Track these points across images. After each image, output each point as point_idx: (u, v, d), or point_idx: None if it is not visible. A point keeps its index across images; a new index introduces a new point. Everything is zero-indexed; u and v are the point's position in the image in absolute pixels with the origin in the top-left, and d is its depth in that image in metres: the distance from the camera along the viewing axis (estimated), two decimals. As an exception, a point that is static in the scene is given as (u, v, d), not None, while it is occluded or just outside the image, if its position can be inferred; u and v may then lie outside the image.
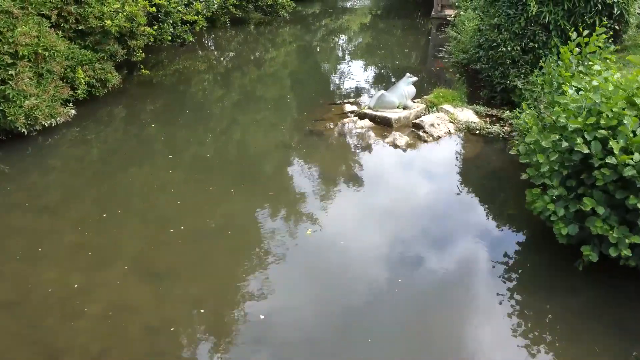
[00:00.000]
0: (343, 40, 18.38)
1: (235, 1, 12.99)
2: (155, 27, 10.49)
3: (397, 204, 6.58)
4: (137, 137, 9.01)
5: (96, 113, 9.91)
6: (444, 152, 8.02)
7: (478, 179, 7.34)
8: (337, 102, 10.35)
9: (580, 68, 5.96)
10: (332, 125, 8.99)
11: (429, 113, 9.37)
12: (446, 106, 9.50)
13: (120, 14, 9.48)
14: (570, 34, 6.46)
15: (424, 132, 8.50)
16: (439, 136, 8.40)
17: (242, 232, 5.97)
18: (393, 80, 12.26)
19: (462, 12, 15.32)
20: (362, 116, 9.26)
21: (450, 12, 21.37)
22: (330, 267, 5.32)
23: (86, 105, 9.69)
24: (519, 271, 5.33)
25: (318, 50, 16.55)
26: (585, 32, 7.10)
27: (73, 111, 9.03)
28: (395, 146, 8.07)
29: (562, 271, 5.18)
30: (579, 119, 4.77)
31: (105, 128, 9.40)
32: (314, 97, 11.18)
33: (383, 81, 12.63)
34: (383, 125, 8.96)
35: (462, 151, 8.14)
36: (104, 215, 6.24)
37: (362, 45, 17.29)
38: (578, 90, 5.44)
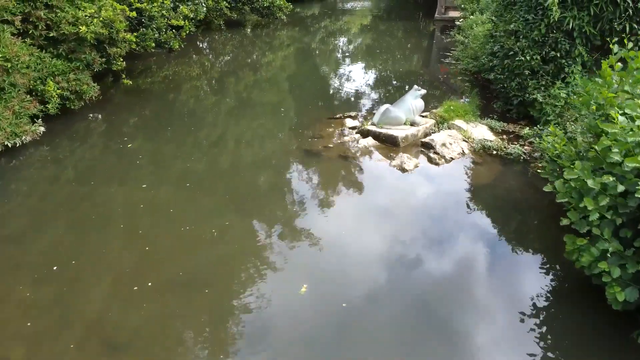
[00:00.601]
0: (342, 43, 17.45)
1: (228, 3, 11.94)
2: (137, 33, 9.53)
3: (406, 243, 5.64)
4: (110, 158, 8.04)
5: (70, 128, 8.96)
6: (459, 178, 7.07)
7: (499, 210, 6.39)
8: (337, 116, 9.41)
9: (627, 87, 5.01)
10: (331, 144, 8.05)
11: (438, 130, 8.43)
12: (458, 121, 8.57)
13: (95, 19, 8.53)
14: (611, 46, 5.51)
15: (435, 153, 7.56)
16: (451, 158, 7.46)
17: (222, 289, 4.96)
18: (395, 87, 11.38)
19: (468, 15, 14.40)
20: (364, 133, 8.32)
21: (455, 14, 20.48)
22: (330, 338, 4.35)
23: (59, 120, 8.75)
24: (554, 331, 4.40)
25: (317, 54, 15.61)
26: (614, 40, 6.24)
27: (42, 128, 8.10)
28: (403, 170, 7.13)
29: (611, 340, 4.24)
30: (639, 157, 3.83)
31: (78, 146, 8.44)
32: (312, 109, 10.24)
33: (386, 90, 11.69)
34: (389, 144, 8.01)
35: (479, 176, 7.20)
36: (71, 261, 5.29)
37: (362, 49, 16.34)
38: (629, 117, 4.49)
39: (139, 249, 5.49)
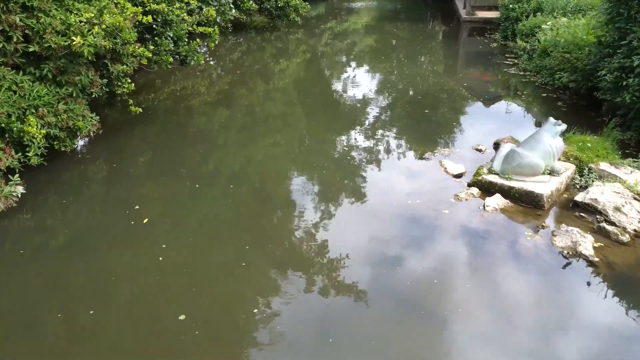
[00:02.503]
0: (361, 51, 14.99)
1: (253, 5, 9.33)
2: (151, 45, 6.92)
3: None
4: (114, 216, 5.54)
5: (60, 178, 6.41)
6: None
7: None
8: (425, 155, 6.98)
9: None
10: (445, 209, 5.60)
11: (584, 179, 6.06)
12: (603, 165, 6.21)
13: (96, 27, 5.94)
14: None
15: (608, 222, 5.17)
16: (635, 230, 5.07)
17: None
18: (444, 105, 8.88)
19: (548, 18, 12.05)
20: (484, 187, 5.90)
21: (486, 15, 18.25)
22: None
23: (45, 169, 6.17)
24: None
25: (336, 63, 13.12)
26: None
27: (20, 188, 5.52)
28: (580, 256, 4.72)
29: None
30: None
31: (72, 204, 5.88)
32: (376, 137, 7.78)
33: (435, 112, 9.27)
34: (525, 204, 5.61)
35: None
36: None
37: (380, 57, 13.82)
38: None
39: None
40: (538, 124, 8.53)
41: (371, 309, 4.21)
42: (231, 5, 8.76)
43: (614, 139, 6.86)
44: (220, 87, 10.29)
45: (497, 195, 5.68)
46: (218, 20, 8.37)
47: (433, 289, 4.40)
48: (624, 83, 7.11)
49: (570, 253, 4.75)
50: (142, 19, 6.48)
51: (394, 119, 8.90)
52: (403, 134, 8.15)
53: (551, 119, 6.03)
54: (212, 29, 7.42)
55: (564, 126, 5.99)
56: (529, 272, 4.61)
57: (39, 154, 5.81)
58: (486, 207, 5.53)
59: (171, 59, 7.24)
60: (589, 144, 6.58)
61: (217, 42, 7.68)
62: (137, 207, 5.70)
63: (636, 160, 6.52)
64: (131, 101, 7.30)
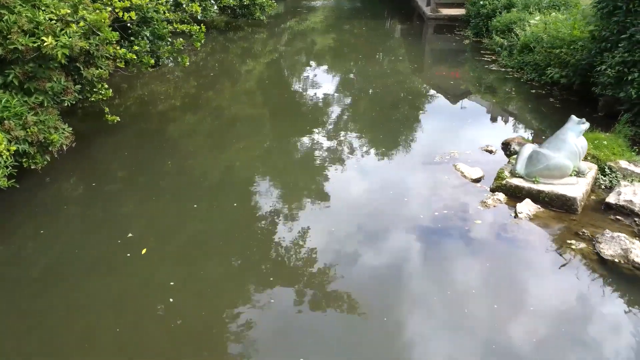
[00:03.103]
0: (320, 49, 14.55)
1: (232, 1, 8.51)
2: (135, 46, 6.11)
3: None
4: (95, 241, 4.80)
5: (31, 203, 5.55)
6: None
7: None
8: (436, 159, 6.58)
9: None
10: (477, 219, 5.18)
11: (608, 178, 5.82)
12: (623, 163, 6.00)
13: (73, 26, 5.12)
14: None
15: (649, 224, 4.91)
16: (677, 232, 4.83)
17: None
18: (415, 105, 8.57)
19: (515, 14, 11.95)
20: (510, 191, 5.54)
21: (452, 12, 18.21)
22: None
23: (12, 192, 5.31)
24: None
25: (304, 63, 12.60)
26: None
27: (-11, 216, 4.66)
28: (633, 264, 4.41)
29: None
30: None
31: (45, 231, 5.07)
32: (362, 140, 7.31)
33: (408, 112, 8.96)
34: (557, 209, 5.29)
35: None
36: None
37: (344, 56, 13.44)
38: None
39: None
40: (538, 121, 8.33)
41: (443, 332, 3.71)
42: (212, 1, 8.02)
43: (625, 135, 6.68)
44: (187, 90, 9.52)
45: (528, 201, 5.32)
46: (199, 17, 7.60)
47: (496, 315, 3.94)
48: (629, 77, 6.96)
49: (623, 262, 4.43)
50: (124, 16, 5.68)
51: (386, 121, 8.45)
52: (402, 137, 7.73)
53: (574, 117, 5.73)
54: (198, 27, 6.67)
55: (587, 124, 5.70)
56: (588, 287, 4.25)
57: (7, 174, 4.96)
58: (519, 214, 5.16)
59: (152, 61, 6.45)
60: (604, 142, 6.36)
61: (202, 41, 6.94)
62: (130, 234, 4.96)
63: (645, 155, 6.36)
64: (107, 109, 6.46)
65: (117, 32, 5.66)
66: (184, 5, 6.74)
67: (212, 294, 4.22)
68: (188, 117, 8.14)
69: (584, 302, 4.08)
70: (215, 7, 8.05)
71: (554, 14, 10.90)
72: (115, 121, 6.49)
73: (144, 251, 4.70)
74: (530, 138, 7.19)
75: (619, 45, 7.32)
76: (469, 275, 4.38)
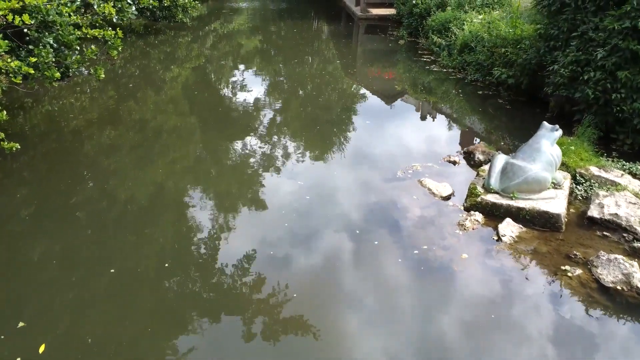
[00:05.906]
0: (248, 53, 13.71)
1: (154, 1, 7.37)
2: (32, 58, 4.89)
3: None
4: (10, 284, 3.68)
5: None
6: None
7: None
8: (398, 173, 5.92)
9: None
10: (463, 253, 4.55)
11: (583, 187, 5.43)
12: (593, 169, 5.66)
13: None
14: None
15: (638, 239, 4.51)
16: (668, 247, 4.47)
17: None
18: (348, 108, 8.01)
19: (450, 13, 11.66)
20: (484, 209, 4.99)
21: (382, 12, 17.90)
22: None
23: None
24: None
25: (234, 67, 11.69)
26: None
27: None
28: (637, 291, 3.95)
29: None
30: None
31: None
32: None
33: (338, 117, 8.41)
34: (539, 227, 4.79)
35: None
36: None
37: (267, 57, 12.73)
38: None
39: None
40: (491, 124, 7.95)
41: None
42: (129, 2, 6.87)
43: (589, 138, 6.39)
44: (105, 102, 8.31)
45: (509, 221, 4.78)
46: (115, 20, 6.44)
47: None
48: (585, 77, 6.69)
49: (626, 289, 3.96)
50: (15, 19, 4.48)
51: (327, 130, 7.73)
52: (351, 147, 7.03)
53: (546, 124, 5.29)
54: (113, 32, 5.51)
55: (560, 131, 5.28)
56: (598, 322, 3.72)
57: None
58: (502, 237, 4.60)
59: (58, 74, 5.27)
60: (571, 147, 6.01)
61: (120, 48, 5.81)
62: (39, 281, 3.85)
63: (612, 159, 6.08)
64: (2, 135, 5.21)
65: (7, 41, 4.46)
66: (95, 7, 5.58)
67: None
68: (108, 132, 7.00)
69: (600, 342, 3.55)
70: (134, 8, 6.88)
71: (495, 12, 10.69)
72: (15, 149, 5.25)
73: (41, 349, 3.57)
74: (492, 145, 6.73)
75: (571, 43, 7.06)
76: (460, 330, 3.72)
